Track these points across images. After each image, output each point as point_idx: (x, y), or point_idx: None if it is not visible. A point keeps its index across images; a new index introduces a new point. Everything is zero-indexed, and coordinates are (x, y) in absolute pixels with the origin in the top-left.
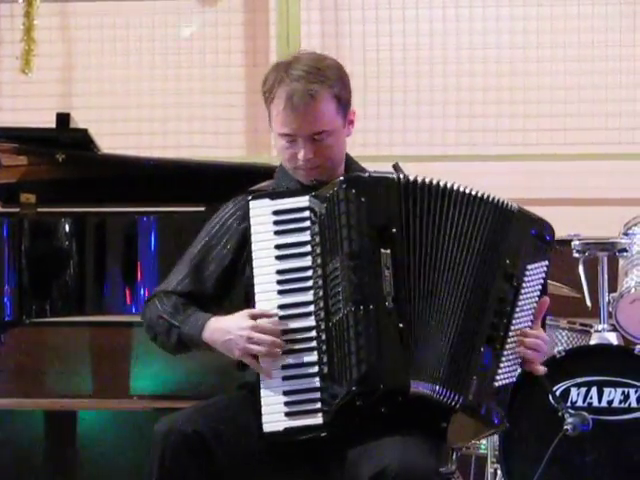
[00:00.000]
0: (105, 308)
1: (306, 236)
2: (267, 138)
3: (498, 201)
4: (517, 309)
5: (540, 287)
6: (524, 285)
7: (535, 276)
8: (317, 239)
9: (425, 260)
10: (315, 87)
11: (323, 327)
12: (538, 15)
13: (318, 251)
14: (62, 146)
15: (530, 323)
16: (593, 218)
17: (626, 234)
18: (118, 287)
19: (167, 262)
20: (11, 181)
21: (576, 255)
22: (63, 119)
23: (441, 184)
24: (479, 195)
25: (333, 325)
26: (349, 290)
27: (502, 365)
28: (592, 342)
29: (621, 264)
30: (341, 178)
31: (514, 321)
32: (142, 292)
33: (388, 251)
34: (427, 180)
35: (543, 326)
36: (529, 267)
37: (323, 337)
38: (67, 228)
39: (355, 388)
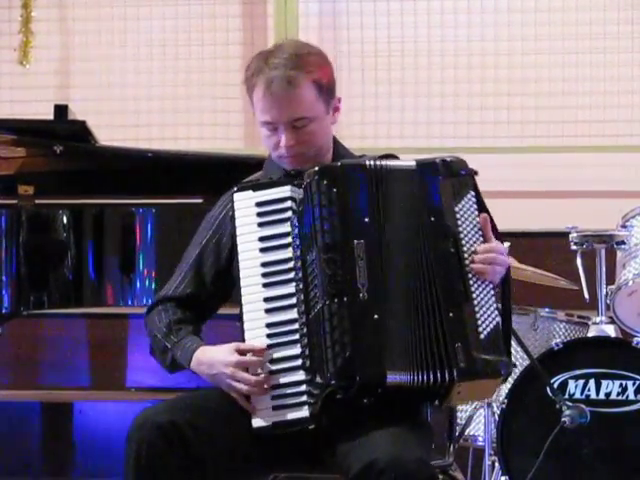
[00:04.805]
0: (102, 300)
1: (287, 227)
2: None
3: (403, 166)
4: (464, 254)
5: (476, 216)
6: (460, 229)
7: (467, 212)
8: (296, 230)
9: (393, 245)
10: (293, 73)
11: (304, 320)
12: (536, 7)
13: (297, 242)
14: (60, 138)
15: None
16: (591, 210)
17: (624, 226)
18: (116, 279)
19: (165, 254)
20: (9, 173)
21: (574, 247)
22: (61, 111)
23: (397, 164)
24: (400, 166)
25: (313, 318)
26: (324, 283)
27: (478, 315)
28: (590, 334)
29: (619, 256)
30: (315, 168)
31: (467, 268)
32: (139, 284)
33: (362, 241)
34: (391, 163)
35: (498, 239)
36: (456, 209)
37: (305, 330)
38: (65, 220)
39: (333, 382)
